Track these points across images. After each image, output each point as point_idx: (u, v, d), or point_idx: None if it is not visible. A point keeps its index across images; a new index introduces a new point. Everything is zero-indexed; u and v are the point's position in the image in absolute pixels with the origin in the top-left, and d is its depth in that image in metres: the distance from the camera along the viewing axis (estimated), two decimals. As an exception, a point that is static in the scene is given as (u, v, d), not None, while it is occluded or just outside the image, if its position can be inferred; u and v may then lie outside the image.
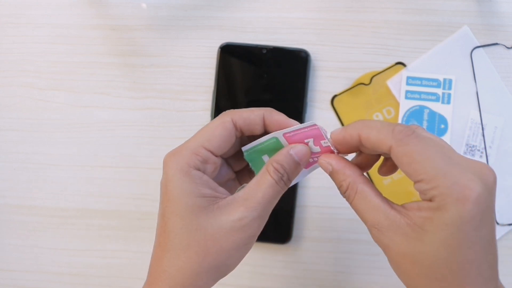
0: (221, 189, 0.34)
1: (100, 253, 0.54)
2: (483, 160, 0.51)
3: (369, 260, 0.52)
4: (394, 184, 0.52)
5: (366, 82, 0.52)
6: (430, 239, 0.29)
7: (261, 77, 0.52)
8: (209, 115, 0.53)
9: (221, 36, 0.53)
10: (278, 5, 0.53)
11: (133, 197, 0.54)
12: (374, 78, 0.52)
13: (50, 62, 0.55)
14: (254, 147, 0.35)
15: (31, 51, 0.55)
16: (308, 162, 0.35)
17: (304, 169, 0.35)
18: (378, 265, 0.52)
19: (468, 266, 0.29)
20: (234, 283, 0.52)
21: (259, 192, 0.33)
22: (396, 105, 0.52)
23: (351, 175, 0.33)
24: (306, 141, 0.34)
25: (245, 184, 0.38)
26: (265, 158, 0.36)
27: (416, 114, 0.52)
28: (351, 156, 0.35)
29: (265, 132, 0.35)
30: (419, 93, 0.52)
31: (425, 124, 0.51)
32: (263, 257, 0.53)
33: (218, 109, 0.52)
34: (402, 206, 0.31)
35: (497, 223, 0.50)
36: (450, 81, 0.51)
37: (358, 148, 0.33)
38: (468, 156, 0.49)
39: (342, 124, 0.52)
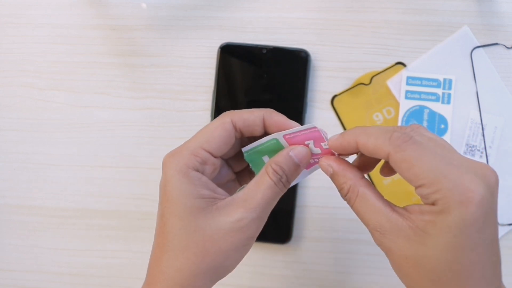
0: (220, 190, 0.34)
1: (100, 253, 0.54)
2: (483, 160, 0.51)
3: (369, 260, 0.52)
4: (394, 184, 0.52)
5: (366, 82, 0.52)
6: (433, 242, 0.29)
7: (261, 77, 0.52)
8: (209, 115, 0.53)
9: (221, 36, 0.53)
10: (278, 5, 0.53)
11: (133, 197, 0.54)
12: (374, 78, 0.52)
13: (50, 62, 0.55)
14: (254, 148, 0.35)
15: (31, 51, 0.55)
16: (309, 163, 0.35)
17: (304, 170, 0.35)
18: (378, 265, 0.52)
19: (472, 268, 0.29)
20: (234, 283, 0.52)
21: (258, 193, 0.33)
22: (396, 105, 0.52)
23: (352, 177, 0.32)
24: (306, 143, 0.34)
25: (245, 185, 0.38)
26: (266, 158, 0.36)
27: (416, 114, 0.52)
28: (352, 158, 0.35)
29: (265, 133, 0.35)
30: (419, 93, 0.52)
31: (425, 124, 0.51)
32: (263, 257, 0.53)
33: (218, 109, 0.52)
34: (404, 208, 0.31)
35: (498, 224, 0.50)
36: (450, 81, 0.51)
37: (357, 152, 0.33)
38: (468, 156, 0.49)
39: (342, 124, 0.52)
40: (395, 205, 0.32)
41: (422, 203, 0.30)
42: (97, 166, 0.54)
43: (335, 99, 0.52)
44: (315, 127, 0.33)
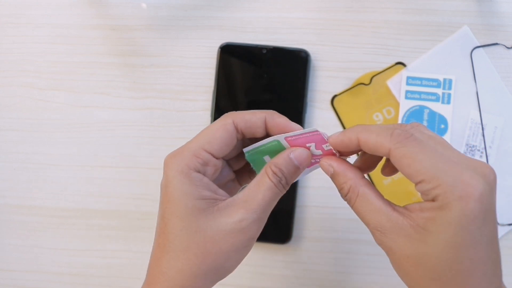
0: (221, 191, 0.34)
1: (100, 253, 0.54)
2: (483, 160, 0.51)
3: (369, 260, 0.52)
4: (394, 184, 0.52)
5: (366, 82, 0.52)
6: (433, 240, 0.29)
7: (261, 77, 0.52)
8: (209, 115, 0.53)
9: (221, 36, 0.53)
10: (278, 5, 0.53)
11: (133, 197, 0.54)
12: (374, 78, 0.52)
13: (50, 62, 0.54)
14: (256, 148, 0.35)
15: (31, 51, 0.55)
16: (309, 165, 0.35)
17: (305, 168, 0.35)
18: (378, 265, 0.52)
19: (473, 266, 0.29)
20: (234, 283, 0.52)
21: (258, 194, 0.33)
22: (396, 105, 0.52)
23: (352, 177, 0.32)
24: (307, 145, 0.34)
25: (245, 185, 0.38)
26: (267, 158, 0.36)
27: (416, 114, 0.52)
28: (352, 159, 0.35)
29: (267, 135, 0.35)
30: (419, 93, 0.52)
31: (425, 124, 0.51)
32: (263, 257, 0.53)
33: (218, 109, 0.52)
34: (405, 207, 0.31)
35: (498, 223, 0.50)
36: (450, 81, 0.51)
37: (358, 151, 0.33)
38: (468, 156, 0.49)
39: (342, 124, 0.52)
40: (395, 205, 0.32)
41: (422, 201, 0.30)
42: (97, 166, 0.54)
43: (335, 99, 0.52)
44: (317, 131, 0.33)
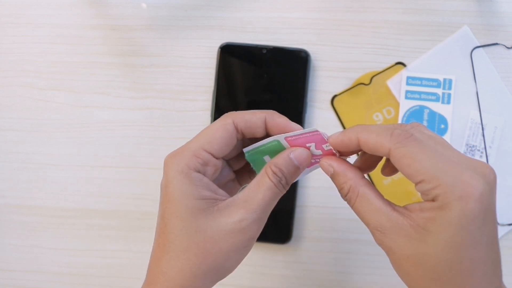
0: (221, 191, 0.34)
1: (100, 253, 0.54)
2: (483, 160, 0.51)
3: (369, 260, 0.52)
4: (394, 184, 0.52)
5: (366, 82, 0.52)
6: (433, 240, 0.29)
7: (261, 77, 0.52)
8: (209, 115, 0.53)
9: (221, 36, 0.53)
10: (278, 5, 0.53)
11: (133, 197, 0.54)
12: (374, 78, 0.52)
13: (50, 62, 0.55)
14: (256, 148, 0.35)
15: (31, 51, 0.55)
16: (309, 165, 0.35)
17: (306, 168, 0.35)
18: (378, 265, 0.52)
19: (473, 266, 0.29)
20: (234, 283, 0.52)
21: (259, 194, 0.33)
22: (396, 105, 0.52)
23: (352, 177, 0.32)
24: (307, 145, 0.34)
25: (245, 185, 0.38)
26: (267, 158, 0.36)
27: (416, 114, 0.52)
28: (352, 159, 0.35)
29: (267, 135, 0.35)
30: (419, 93, 0.52)
31: (425, 124, 0.51)
32: (263, 257, 0.53)
33: (218, 109, 0.52)
34: (405, 207, 0.31)
35: (498, 223, 0.50)
36: (450, 81, 0.51)
37: (358, 151, 0.33)
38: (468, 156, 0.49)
39: (342, 124, 0.52)
40: (395, 205, 0.32)
41: (422, 201, 0.30)
42: (97, 166, 0.54)
43: (335, 99, 0.52)
44: (317, 131, 0.33)
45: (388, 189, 0.51)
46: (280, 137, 0.34)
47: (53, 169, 0.54)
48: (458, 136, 0.51)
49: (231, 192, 0.36)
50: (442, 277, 0.29)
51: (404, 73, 0.52)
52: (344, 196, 0.33)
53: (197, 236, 0.32)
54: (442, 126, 0.51)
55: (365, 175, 0.34)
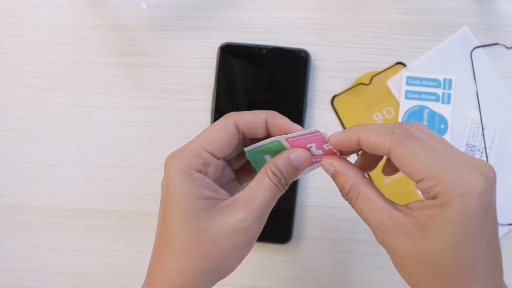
0: (222, 191, 0.34)
1: (100, 253, 0.54)
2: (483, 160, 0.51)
3: (369, 260, 0.52)
4: (394, 184, 0.52)
5: (366, 82, 0.52)
6: (435, 237, 0.29)
7: (261, 77, 0.52)
8: (209, 115, 0.53)
9: (221, 36, 0.53)
10: (278, 5, 0.53)
11: (133, 197, 0.54)
12: (374, 78, 0.52)
13: (50, 62, 0.54)
14: (256, 148, 0.35)
15: (31, 51, 0.55)
16: (308, 165, 0.35)
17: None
18: (378, 265, 0.52)
19: (474, 263, 0.29)
20: (234, 283, 0.52)
21: (259, 194, 0.33)
22: (396, 105, 0.52)
23: (353, 177, 0.33)
24: (308, 146, 0.34)
25: (245, 184, 0.38)
26: (267, 157, 0.36)
27: (416, 114, 0.52)
28: (353, 159, 0.35)
29: (268, 136, 0.35)
30: (419, 93, 0.52)
31: (425, 124, 0.51)
32: (263, 257, 0.53)
33: (218, 109, 0.52)
34: (406, 206, 0.31)
35: (498, 223, 0.50)
36: (450, 81, 0.51)
37: (358, 151, 0.33)
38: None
39: (342, 124, 0.52)
40: (396, 203, 0.32)
41: (423, 199, 0.30)
42: (97, 166, 0.54)
43: (335, 99, 0.52)
44: (318, 131, 0.33)
45: (389, 189, 0.51)
46: (281, 138, 0.34)
47: (53, 169, 0.54)
48: (458, 136, 0.51)
49: (231, 192, 0.37)
50: (443, 274, 0.29)
51: (404, 73, 0.52)
52: (345, 196, 0.33)
53: (199, 236, 0.32)
54: (442, 126, 0.51)
55: (366, 175, 0.34)
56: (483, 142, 0.51)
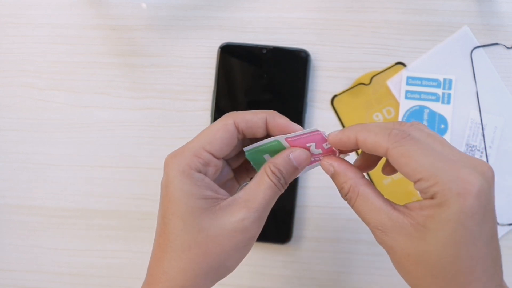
0: (222, 190, 0.34)
1: (100, 253, 0.54)
2: (483, 160, 0.51)
3: (369, 260, 0.52)
4: (394, 184, 0.52)
5: (366, 82, 0.52)
6: (433, 237, 0.29)
7: (261, 77, 0.52)
8: (209, 115, 0.53)
9: (221, 36, 0.53)
10: (278, 5, 0.53)
11: (133, 197, 0.54)
12: (374, 78, 0.52)
13: (50, 62, 0.54)
14: (256, 147, 0.35)
15: (31, 51, 0.55)
16: (308, 165, 0.35)
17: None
18: (378, 265, 0.52)
19: (473, 262, 0.29)
20: (234, 283, 0.52)
21: (259, 193, 0.33)
22: (396, 105, 0.52)
23: (352, 177, 0.33)
24: (308, 145, 0.34)
25: (244, 183, 0.39)
26: (267, 157, 0.36)
27: (416, 114, 0.52)
28: (352, 159, 0.35)
29: (267, 135, 0.35)
30: (419, 93, 0.52)
31: (425, 124, 0.51)
32: (263, 257, 0.53)
33: (218, 109, 0.52)
34: (405, 206, 0.31)
35: (497, 223, 0.50)
36: (450, 81, 0.51)
37: (358, 149, 0.33)
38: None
39: (342, 124, 0.52)
40: (395, 204, 0.32)
41: (422, 199, 0.30)
42: (97, 166, 0.54)
43: (335, 99, 0.52)
44: (317, 131, 0.33)
45: (388, 189, 0.51)
46: (281, 138, 0.34)
47: (53, 169, 0.54)
48: (458, 136, 0.51)
49: (230, 191, 0.37)
50: (443, 274, 0.29)
51: (404, 73, 0.52)
52: (344, 196, 0.33)
53: (199, 236, 0.32)
54: (442, 126, 0.51)
55: (365, 175, 0.34)
56: (483, 142, 0.51)
